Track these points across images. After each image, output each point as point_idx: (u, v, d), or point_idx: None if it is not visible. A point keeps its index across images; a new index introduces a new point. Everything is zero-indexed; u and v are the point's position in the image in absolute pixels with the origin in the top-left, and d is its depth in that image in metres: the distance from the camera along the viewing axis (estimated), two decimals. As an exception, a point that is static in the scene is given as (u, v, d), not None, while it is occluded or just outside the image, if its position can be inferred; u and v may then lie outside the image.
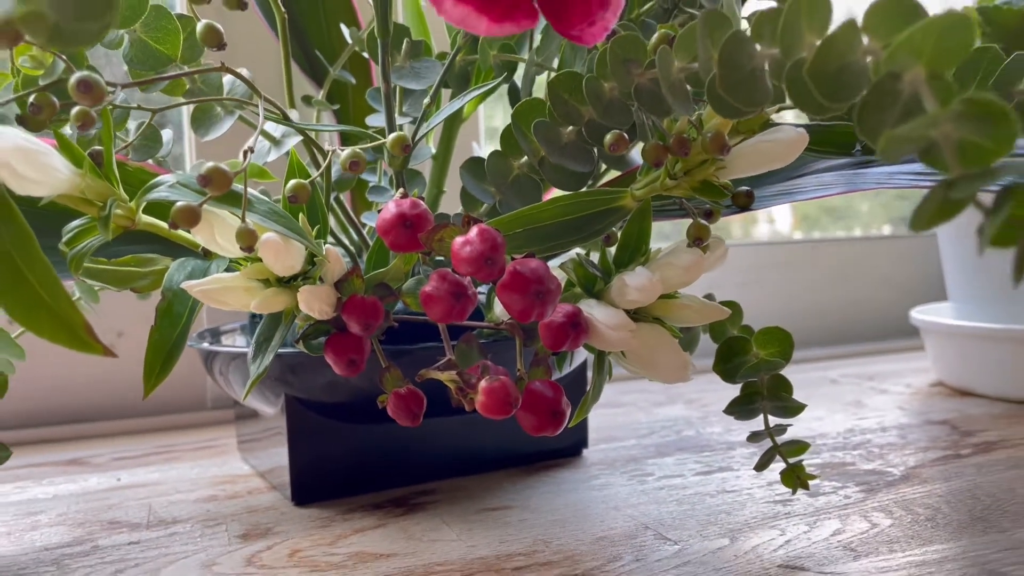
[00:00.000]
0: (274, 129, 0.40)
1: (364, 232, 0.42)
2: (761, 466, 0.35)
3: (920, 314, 0.62)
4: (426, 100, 0.36)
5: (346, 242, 0.43)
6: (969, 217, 0.57)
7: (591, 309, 0.31)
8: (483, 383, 0.29)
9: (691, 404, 0.57)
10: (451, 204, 0.42)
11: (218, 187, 0.25)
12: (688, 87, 0.26)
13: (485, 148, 0.65)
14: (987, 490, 0.37)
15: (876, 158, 0.35)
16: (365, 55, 0.43)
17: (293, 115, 0.41)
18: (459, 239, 0.28)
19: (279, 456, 0.40)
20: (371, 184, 0.39)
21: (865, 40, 0.20)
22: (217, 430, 0.56)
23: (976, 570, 0.29)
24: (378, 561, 0.32)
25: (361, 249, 0.43)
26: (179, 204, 0.25)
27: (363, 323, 0.31)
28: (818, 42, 0.21)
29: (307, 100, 0.43)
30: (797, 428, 0.50)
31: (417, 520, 0.36)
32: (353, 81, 0.43)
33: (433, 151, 0.41)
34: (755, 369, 0.35)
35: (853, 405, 0.55)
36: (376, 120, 0.37)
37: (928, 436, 0.47)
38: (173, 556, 0.33)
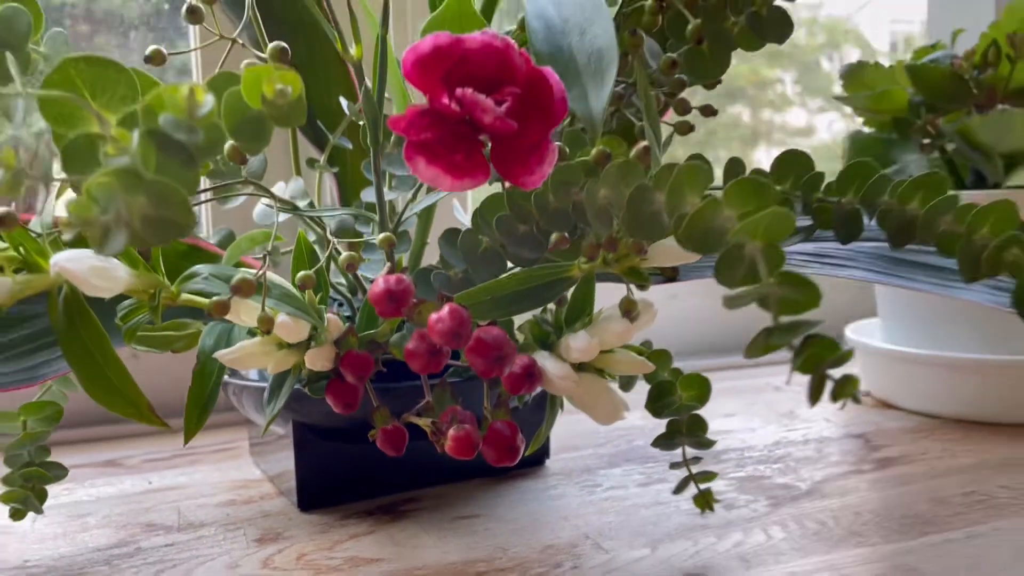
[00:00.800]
0: (282, 191, 0.47)
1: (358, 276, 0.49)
2: (678, 490, 0.43)
3: (852, 332, 0.69)
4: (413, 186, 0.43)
5: (343, 290, 0.51)
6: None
7: (544, 361, 0.39)
8: (452, 431, 0.37)
9: (647, 415, 0.65)
10: (432, 254, 0.50)
11: (245, 293, 0.32)
12: (611, 210, 0.33)
13: (469, 201, 0.73)
14: (871, 506, 0.45)
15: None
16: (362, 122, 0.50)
17: (299, 181, 0.48)
18: (434, 315, 0.36)
19: (286, 462, 0.48)
20: (365, 238, 0.46)
21: (726, 212, 0.28)
22: (232, 431, 0.63)
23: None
24: (369, 566, 0.39)
25: (356, 289, 0.51)
26: (214, 299, 0.33)
27: (357, 375, 0.39)
28: (698, 202, 0.29)
29: (311, 163, 0.50)
30: (732, 440, 0.58)
31: (402, 527, 0.44)
32: (350, 146, 0.50)
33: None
34: (678, 410, 0.43)
35: (786, 416, 0.63)
36: (368, 195, 0.44)
37: (841, 450, 0.55)
38: (203, 558, 0.41)
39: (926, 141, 0.63)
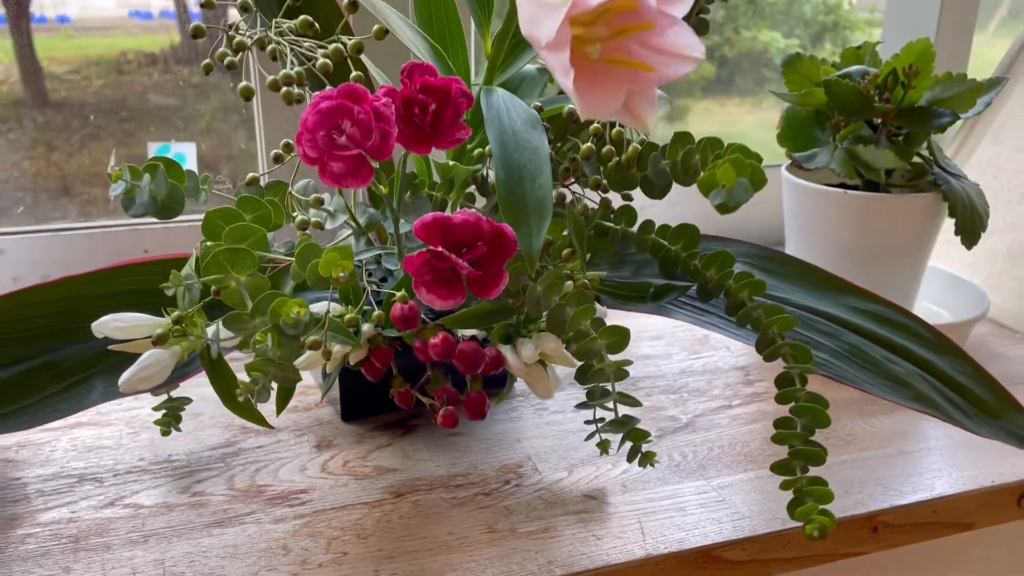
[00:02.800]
0: (328, 203, 0.66)
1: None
2: (630, 459, 0.65)
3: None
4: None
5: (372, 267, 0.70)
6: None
7: (506, 352, 0.60)
8: (441, 410, 0.59)
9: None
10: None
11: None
12: (542, 302, 0.52)
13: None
14: (721, 442, 0.67)
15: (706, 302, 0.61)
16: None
17: (339, 200, 0.66)
18: (432, 339, 0.56)
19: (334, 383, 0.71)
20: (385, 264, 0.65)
21: (600, 342, 0.48)
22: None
23: (672, 503, 0.60)
24: (389, 475, 0.63)
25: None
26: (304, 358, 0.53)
27: (382, 361, 0.60)
28: (587, 327, 0.49)
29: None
30: (650, 366, 0.79)
31: (410, 440, 0.67)
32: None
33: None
34: (604, 378, 0.64)
35: (699, 343, 0.85)
36: (389, 225, 0.63)
37: (724, 383, 0.77)
38: (283, 459, 0.64)
39: (833, 139, 0.79)
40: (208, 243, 0.51)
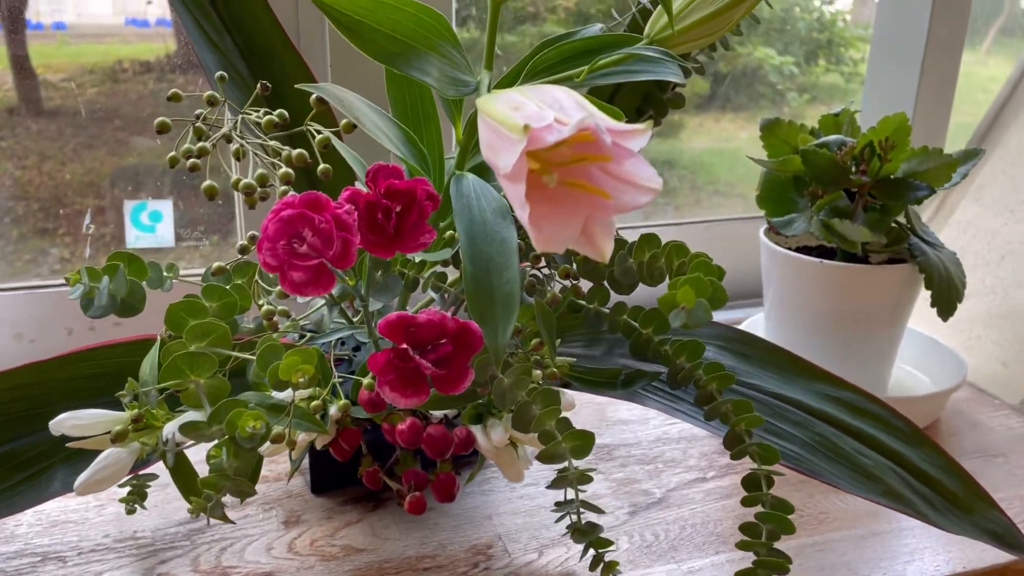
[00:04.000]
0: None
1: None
2: (592, 568, 0.65)
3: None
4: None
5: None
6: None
7: (477, 432, 0.60)
8: (408, 496, 0.58)
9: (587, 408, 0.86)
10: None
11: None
12: (508, 396, 0.52)
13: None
14: (694, 520, 0.67)
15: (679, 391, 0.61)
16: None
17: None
18: (400, 425, 0.56)
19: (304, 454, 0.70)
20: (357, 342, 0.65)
21: (563, 443, 0.47)
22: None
23: (644, 593, 0.59)
24: (356, 555, 0.62)
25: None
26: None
27: (350, 443, 0.60)
28: (551, 426, 0.48)
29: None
30: (626, 433, 0.79)
31: (380, 516, 0.66)
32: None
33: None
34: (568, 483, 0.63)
35: (676, 406, 0.84)
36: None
37: (700, 452, 0.76)
38: (250, 537, 0.63)
39: (812, 205, 0.79)
40: (171, 334, 0.50)
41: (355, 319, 0.65)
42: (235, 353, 0.49)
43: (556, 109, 0.37)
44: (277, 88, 0.60)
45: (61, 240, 0.92)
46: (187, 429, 0.43)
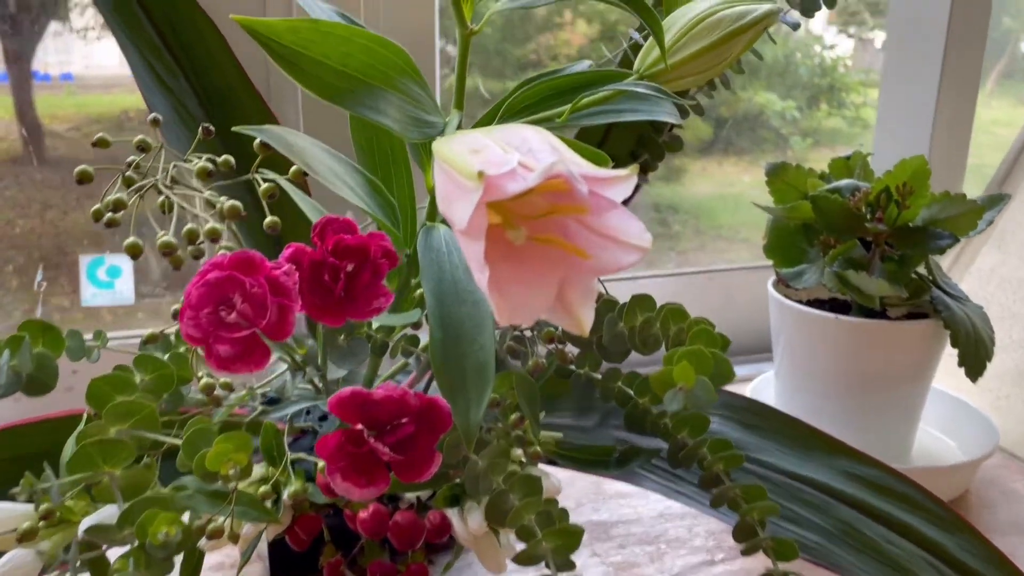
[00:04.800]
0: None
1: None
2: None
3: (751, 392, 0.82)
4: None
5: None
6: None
7: (453, 517, 0.52)
8: (374, 594, 0.51)
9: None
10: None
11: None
12: (483, 481, 0.45)
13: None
14: (701, 612, 0.60)
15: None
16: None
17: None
18: (362, 513, 0.49)
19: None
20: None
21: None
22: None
23: None
24: (316, 658, 0.55)
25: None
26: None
27: (308, 532, 0.53)
28: (531, 521, 0.41)
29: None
30: (625, 509, 0.72)
31: (346, 609, 0.59)
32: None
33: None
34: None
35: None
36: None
37: (706, 529, 0.69)
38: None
39: (824, 255, 0.73)
40: (95, 413, 0.43)
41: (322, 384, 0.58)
42: (161, 437, 0.42)
43: (524, 152, 0.31)
44: (235, 133, 0.55)
45: (62, 289, 0.90)
46: (94, 532, 0.37)
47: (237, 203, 0.40)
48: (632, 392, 0.52)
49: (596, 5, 1.21)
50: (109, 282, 0.76)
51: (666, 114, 0.49)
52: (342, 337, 0.56)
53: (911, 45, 0.93)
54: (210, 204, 0.41)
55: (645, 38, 0.52)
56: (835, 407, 0.74)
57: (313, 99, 0.75)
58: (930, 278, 0.72)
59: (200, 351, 0.39)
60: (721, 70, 0.49)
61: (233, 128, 0.42)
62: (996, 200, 0.70)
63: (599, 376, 0.53)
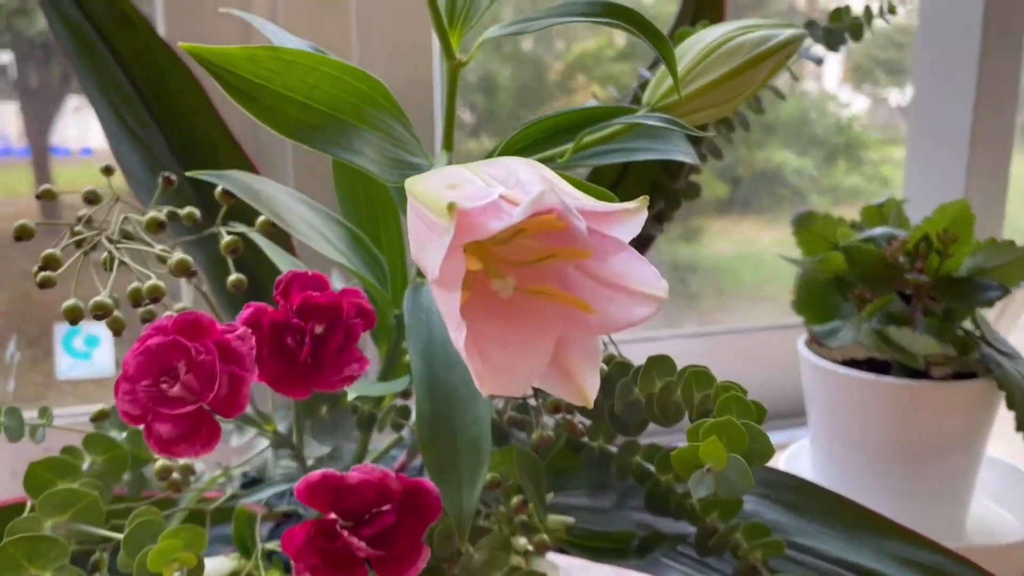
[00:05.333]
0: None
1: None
2: None
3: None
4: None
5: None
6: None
7: None
8: None
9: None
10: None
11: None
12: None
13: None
14: None
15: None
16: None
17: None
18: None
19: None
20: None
21: None
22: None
23: None
24: None
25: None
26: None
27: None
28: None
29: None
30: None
31: None
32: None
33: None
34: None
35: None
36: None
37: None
38: None
39: (859, 310, 0.67)
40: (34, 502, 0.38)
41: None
42: (103, 532, 0.36)
43: (511, 185, 0.25)
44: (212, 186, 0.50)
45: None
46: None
47: (186, 258, 0.35)
48: (653, 468, 0.46)
49: (611, 68, 1.18)
50: (86, 352, 0.71)
51: (681, 153, 0.44)
52: (324, 409, 0.50)
53: (939, 86, 0.88)
54: (162, 260, 0.36)
55: (654, 71, 0.47)
56: (879, 478, 0.67)
57: (306, 153, 0.71)
58: (978, 333, 0.66)
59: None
60: (738, 103, 0.43)
61: (188, 173, 0.37)
62: (1048, 247, 0.64)
63: (614, 450, 0.47)
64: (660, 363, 0.36)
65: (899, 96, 1.28)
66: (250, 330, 0.32)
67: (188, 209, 0.42)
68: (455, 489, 0.38)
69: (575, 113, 0.42)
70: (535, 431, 0.44)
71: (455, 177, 0.27)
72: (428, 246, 0.25)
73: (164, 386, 0.31)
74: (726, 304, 1.22)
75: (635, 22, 0.37)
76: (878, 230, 0.66)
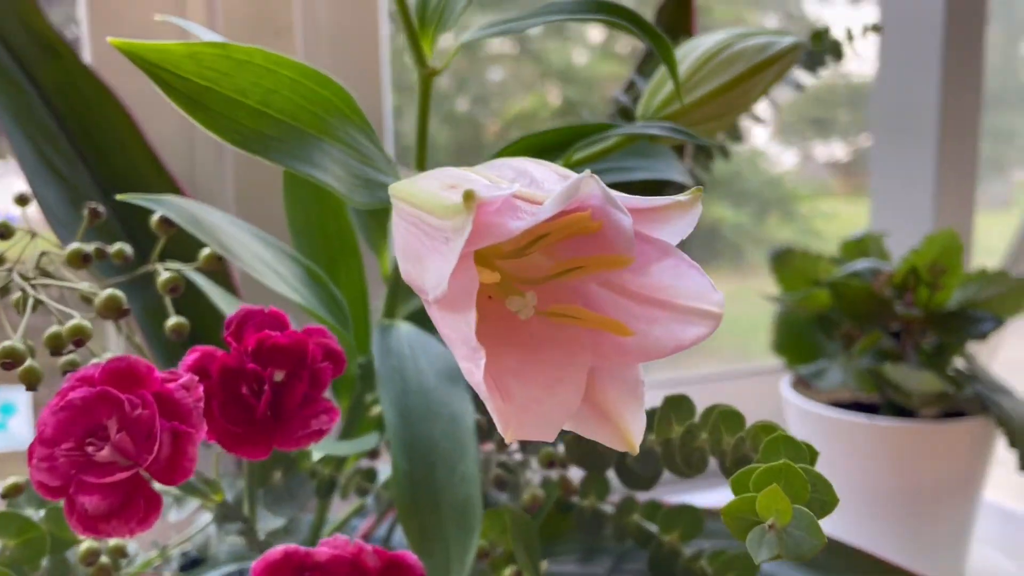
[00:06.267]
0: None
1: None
2: None
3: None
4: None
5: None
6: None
7: None
8: None
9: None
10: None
11: None
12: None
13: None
14: None
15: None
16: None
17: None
18: None
19: None
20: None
21: None
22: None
23: None
24: None
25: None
26: None
27: None
28: None
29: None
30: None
31: None
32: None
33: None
34: None
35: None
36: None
37: None
38: None
39: (846, 349, 0.63)
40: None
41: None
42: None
43: (525, 184, 0.21)
44: (144, 224, 0.44)
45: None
46: None
47: (117, 293, 0.29)
48: (655, 528, 0.41)
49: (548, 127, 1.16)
50: (0, 422, 0.64)
51: (677, 173, 0.40)
52: (278, 474, 0.44)
53: (901, 130, 0.87)
54: (88, 300, 0.30)
55: (645, 77, 0.43)
56: (874, 524, 0.63)
57: (249, 187, 0.66)
58: (970, 370, 0.63)
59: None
60: (733, 119, 0.40)
61: (119, 197, 0.32)
62: (1038, 277, 0.61)
63: (609, 508, 0.42)
64: (678, 404, 0.32)
65: (825, 151, 1.32)
66: (197, 378, 0.27)
67: (118, 245, 0.36)
68: (442, 560, 0.32)
69: (560, 130, 0.37)
70: (527, 490, 0.38)
71: (454, 177, 0.22)
72: (428, 257, 0.20)
73: (90, 449, 0.25)
74: (676, 361, 1.19)
75: (631, 19, 0.33)
76: (861, 263, 0.63)
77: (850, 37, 0.54)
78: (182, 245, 0.39)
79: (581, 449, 0.36)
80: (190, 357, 0.28)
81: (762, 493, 0.22)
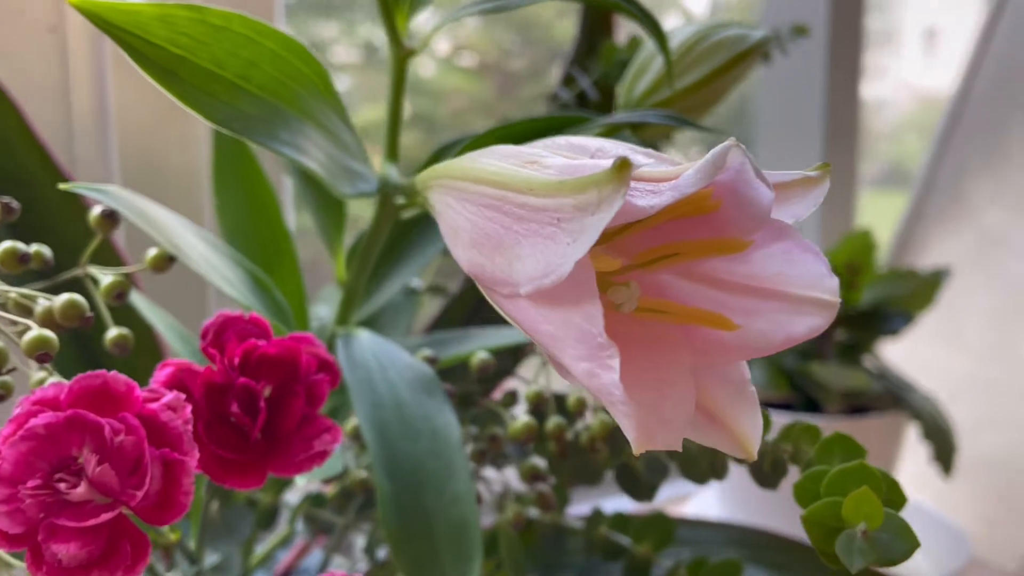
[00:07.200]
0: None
1: None
2: None
3: None
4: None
5: None
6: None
7: None
8: None
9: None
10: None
11: None
12: None
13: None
14: None
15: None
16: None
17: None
18: None
19: None
20: None
21: None
22: None
23: None
24: None
25: None
26: None
27: None
28: None
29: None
30: None
31: None
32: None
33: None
34: None
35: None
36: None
37: None
38: None
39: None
40: None
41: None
42: None
43: (603, 158, 0.18)
44: (38, 224, 0.39)
45: None
46: None
47: (77, 298, 0.24)
48: (627, 539, 0.39)
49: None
50: None
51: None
52: (214, 505, 0.39)
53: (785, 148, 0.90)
54: (25, 309, 0.25)
55: (619, 69, 0.42)
56: (793, 523, 0.63)
57: (179, 192, 0.59)
58: (876, 366, 0.65)
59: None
60: (709, 110, 0.39)
61: (61, 186, 0.27)
62: (941, 275, 0.64)
63: (576, 524, 0.40)
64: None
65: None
66: (183, 396, 0.23)
67: (36, 247, 0.31)
68: (442, 595, 0.29)
69: (542, 120, 0.35)
70: (509, 507, 0.36)
71: (519, 155, 0.19)
72: (519, 244, 0.17)
73: (62, 486, 0.21)
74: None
75: None
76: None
77: (780, 42, 0.54)
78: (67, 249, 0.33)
79: (575, 463, 0.34)
80: (162, 373, 0.24)
81: (849, 497, 0.20)
